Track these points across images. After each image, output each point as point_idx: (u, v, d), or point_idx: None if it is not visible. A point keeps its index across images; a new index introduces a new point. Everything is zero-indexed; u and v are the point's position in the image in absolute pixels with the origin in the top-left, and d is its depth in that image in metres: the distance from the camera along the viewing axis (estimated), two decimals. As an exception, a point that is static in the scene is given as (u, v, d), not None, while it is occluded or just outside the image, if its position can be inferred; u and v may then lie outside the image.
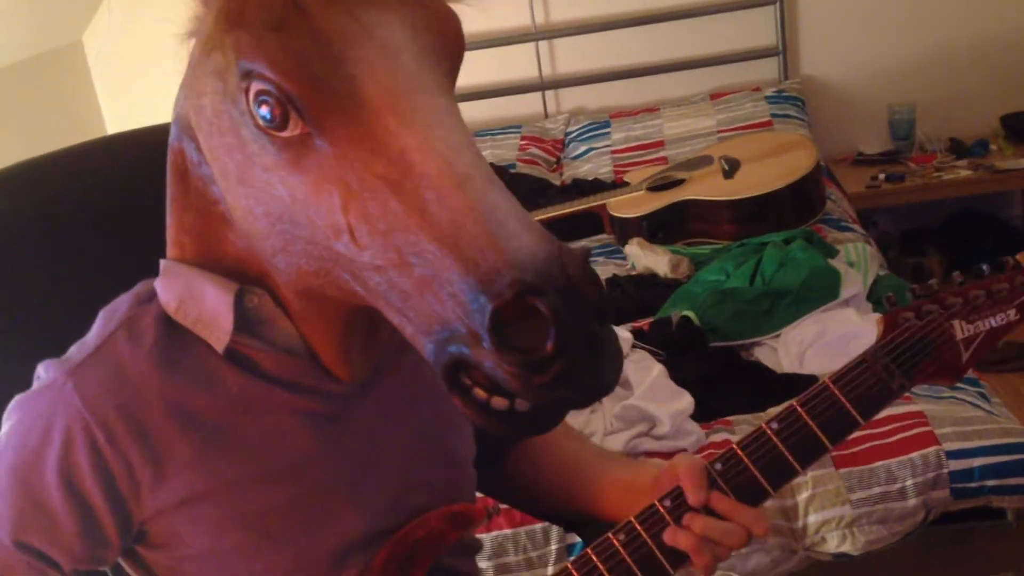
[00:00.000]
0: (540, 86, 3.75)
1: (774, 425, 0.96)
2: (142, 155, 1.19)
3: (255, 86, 0.75)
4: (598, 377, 0.73)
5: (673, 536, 0.95)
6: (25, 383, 0.90)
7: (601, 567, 0.95)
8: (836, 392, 0.96)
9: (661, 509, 0.96)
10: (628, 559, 0.95)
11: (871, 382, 0.97)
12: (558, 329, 0.70)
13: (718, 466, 0.96)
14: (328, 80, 0.75)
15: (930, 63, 3.55)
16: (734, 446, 0.96)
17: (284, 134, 0.76)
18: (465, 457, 1.05)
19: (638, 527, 0.96)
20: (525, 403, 0.75)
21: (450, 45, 0.81)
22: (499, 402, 0.75)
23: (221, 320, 0.86)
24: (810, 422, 0.96)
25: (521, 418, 0.76)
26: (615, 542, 0.96)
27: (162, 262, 0.91)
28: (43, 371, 0.88)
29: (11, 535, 0.87)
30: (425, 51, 0.78)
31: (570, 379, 0.71)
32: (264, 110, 0.76)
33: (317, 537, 0.91)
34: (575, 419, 1.80)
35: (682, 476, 0.97)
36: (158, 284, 0.90)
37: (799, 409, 0.96)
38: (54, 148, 1.19)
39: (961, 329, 0.99)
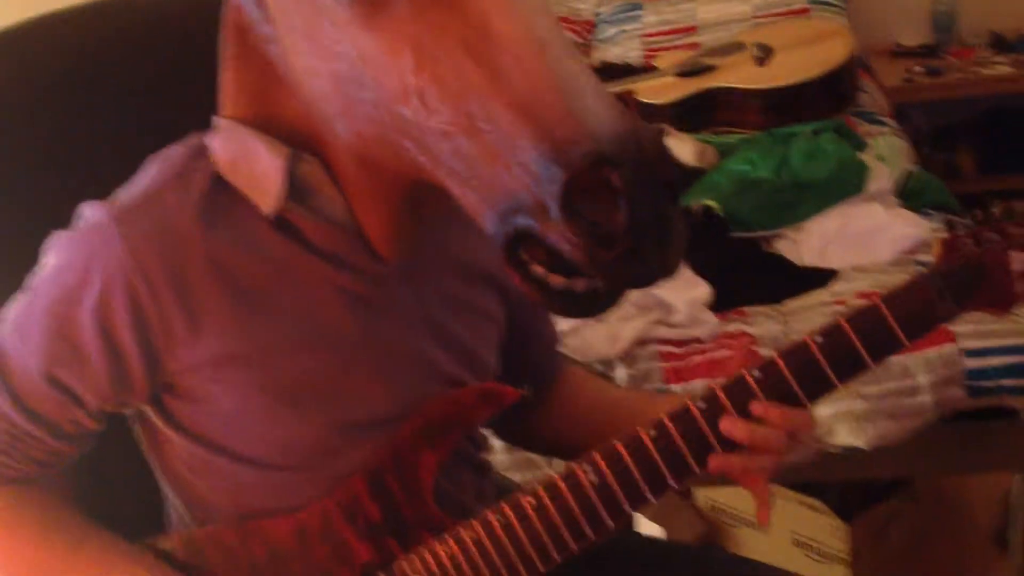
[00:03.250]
0: (571, -36, 3.65)
1: (818, 339, 0.93)
2: (174, 12, 1.18)
3: None
4: (664, 256, 0.72)
5: (731, 425, 0.91)
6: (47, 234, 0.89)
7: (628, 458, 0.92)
8: (885, 312, 0.94)
9: (694, 410, 0.92)
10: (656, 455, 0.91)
11: (920, 305, 0.95)
12: (630, 203, 0.68)
13: (756, 373, 0.93)
14: None
15: (976, -48, 3.43)
16: (775, 355, 0.94)
17: None
18: (493, 374, 1.04)
19: (668, 424, 0.92)
20: (582, 283, 0.74)
21: None
22: (556, 279, 0.74)
23: (271, 183, 0.86)
24: (855, 339, 0.93)
25: (577, 297, 0.75)
26: (645, 437, 0.92)
27: (216, 119, 0.90)
28: (88, 211, 0.88)
29: (42, 369, 0.88)
30: None
31: (636, 256, 0.70)
32: None
33: (342, 410, 0.92)
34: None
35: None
36: (211, 141, 0.89)
37: (845, 325, 0.93)
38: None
39: (1018, 261, 0.97)
